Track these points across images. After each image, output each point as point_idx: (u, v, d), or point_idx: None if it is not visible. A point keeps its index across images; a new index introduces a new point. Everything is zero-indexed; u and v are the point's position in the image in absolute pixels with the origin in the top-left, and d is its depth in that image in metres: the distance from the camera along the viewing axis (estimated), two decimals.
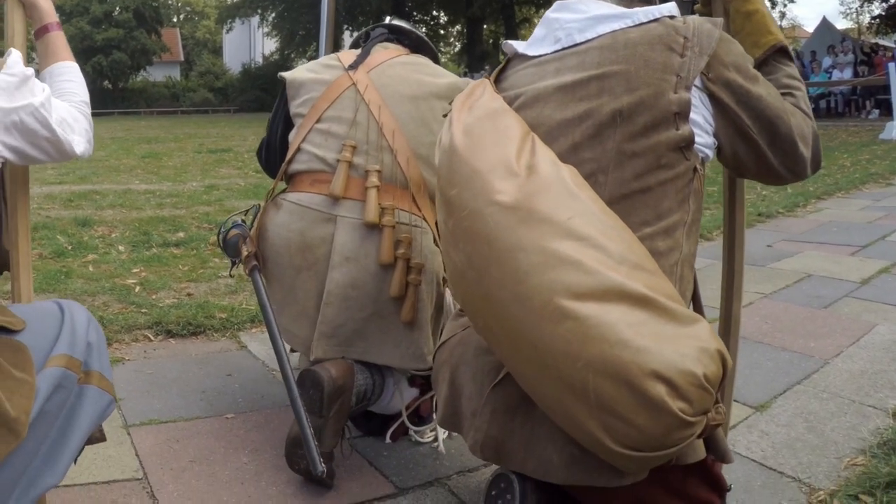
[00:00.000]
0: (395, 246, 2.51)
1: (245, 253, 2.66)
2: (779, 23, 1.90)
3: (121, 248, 5.93)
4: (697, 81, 1.79)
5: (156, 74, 44.11)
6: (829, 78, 22.37)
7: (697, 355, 1.56)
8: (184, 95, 42.88)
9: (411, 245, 2.53)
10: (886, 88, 17.47)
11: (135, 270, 5.19)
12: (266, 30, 42.53)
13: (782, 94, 1.93)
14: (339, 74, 2.74)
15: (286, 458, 2.42)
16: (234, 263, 2.84)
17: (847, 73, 22.22)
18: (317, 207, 2.57)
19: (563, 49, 1.91)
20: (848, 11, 48.99)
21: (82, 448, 1.90)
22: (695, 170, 1.81)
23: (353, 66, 2.74)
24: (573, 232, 1.63)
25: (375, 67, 2.74)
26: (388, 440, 2.77)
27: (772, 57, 2.05)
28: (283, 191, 2.74)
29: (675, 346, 1.56)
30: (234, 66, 48.89)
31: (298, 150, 2.69)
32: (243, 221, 2.82)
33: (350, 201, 2.56)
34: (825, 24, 28.01)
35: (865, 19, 41.54)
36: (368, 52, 2.81)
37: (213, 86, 44.28)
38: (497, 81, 2.02)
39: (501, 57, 2.18)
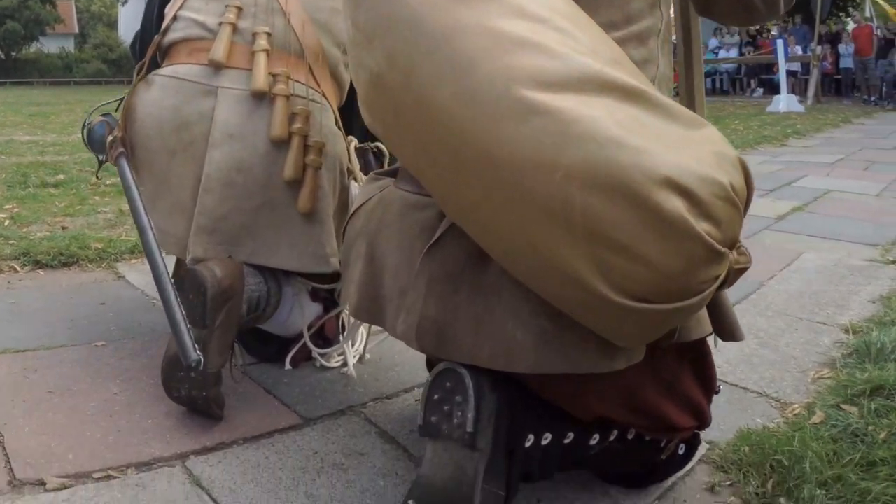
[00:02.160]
0: (291, 120, 1.99)
1: (110, 139, 2.11)
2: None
3: None
4: None
5: (49, 46, 41.82)
6: (716, 57, 22.51)
7: (716, 160, 1.12)
8: (77, 66, 40.65)
9: (309, 120, 2.00)
10: (769, 68, 17.78)
11: (7, 206, 4.56)
12: None
13: None
14: None
15: (163, 384, 1.88)
16: (101, 162, 2.28)
17: (733, 54, 22.40)
18: (194, 79, 2.03)
19: None
20: None
21: None
22: None
23: None
24: (527, 12, 1.16)
25: None
26: (287, 366, 2.25)
27: None
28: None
29: (685, 148, 1.11)
30: (128, 38, 45.70)
31: (175, 18, 2.15)
32: (111, 114, 2.26)
33: (234, 70, 2.03)
34: None
35: None
36: None
37: (107, 58, 42.29)
38: None
39: None
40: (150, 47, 2.16)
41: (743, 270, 1.16)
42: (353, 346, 2.28)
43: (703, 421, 1.54)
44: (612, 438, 1.46)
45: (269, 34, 2.03)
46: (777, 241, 4.10)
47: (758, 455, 1.75)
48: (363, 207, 1.55)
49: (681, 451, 1.62)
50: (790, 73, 17.20)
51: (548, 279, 1.16)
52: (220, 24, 2.04)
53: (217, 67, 2.02)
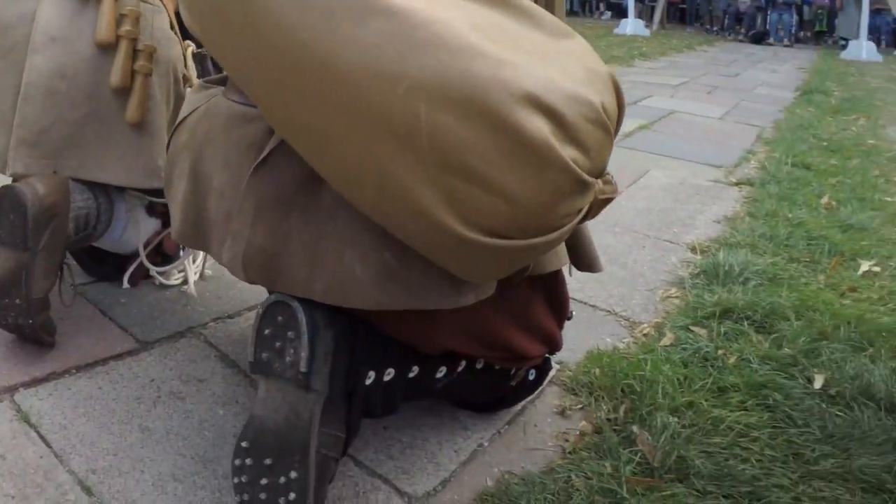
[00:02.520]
0: (119, 22, 1.74)
1: None
2: None
3: None
4: None
5: None
6: None
7: (586, 77, 0.97)
8: None
9: (139, 23, 1.76)
10: None
11: None
12: None
13: None
14: None
15: None
16: None
17: None
18: None
19: None
20: None
21: None
22: None
23: None
24: None
25: None
26: (125, 285, 2.05)
27: None
28: None
29: (552, 61, 0.96)
30: None
31: None
32: None
33: None
34: None
35: None
36: None
37: None
38: None
39: None
40: None
41: (608, 201, 1.02)
42: (193, 262, 2.10)
43: (554, 347, 1.45)
44: (459, 370, 1.34)
45: None
46: (623, 158, 4.00)
47: (608, 378, 1.68)
48: (188, 119, 1.34)
49: (531, 377, 1.53)
50: None
51: (390, 211, 0.99)
52: None
53: None
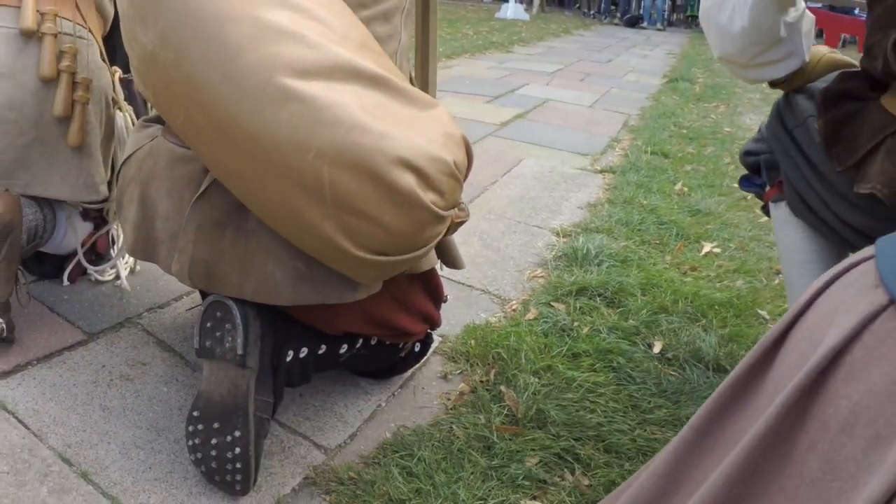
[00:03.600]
0: (59, 58, 1.97)
1: None
2: None
3: None
4: None
5: None
6: None
7: (444, 141, 1.31)
8: None
9: (76, 58, 1.99)
10: None
11: None
12: None
13: None
14: None
15: None
16: None
17: None
18: None
19: None
20: None
21: None
22: None
23: None
24: (290, 2, 1.28)
25: None
26: (65, 282, 2.27)
27: None
28: None
29: (420, 130, 1.29)
30: None
31: None
32: None
33: (3, 8, 1.96)
34: None
35: None
36: None
37: None
38: None
39: None
40: None
41: (462, 222, 1.41)
42: (123, 259, 2.33)
43: (434, 324, 1.78)
44: (358, 346, 1.66)
45: None
46: (500, 148, 4.29)
47: (481, 348, 2.00)
48: (134, 156, 1.61)
49: (416, 349, 1.85)
50: None
51: (302, 237, 1.32)
52: None
53: None
